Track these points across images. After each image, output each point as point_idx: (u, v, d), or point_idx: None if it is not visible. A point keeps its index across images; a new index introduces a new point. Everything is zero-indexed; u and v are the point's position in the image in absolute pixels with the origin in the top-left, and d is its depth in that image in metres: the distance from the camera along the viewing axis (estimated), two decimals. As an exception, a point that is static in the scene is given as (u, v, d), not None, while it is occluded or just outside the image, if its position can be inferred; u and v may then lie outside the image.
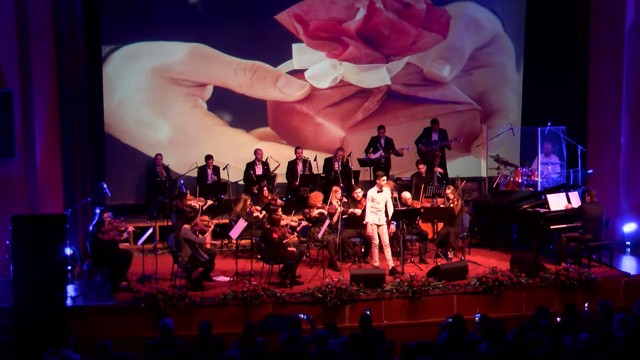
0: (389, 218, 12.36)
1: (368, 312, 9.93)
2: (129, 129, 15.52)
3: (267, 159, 15.10)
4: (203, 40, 15.54)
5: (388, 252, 12.38)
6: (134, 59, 15.34)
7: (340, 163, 15.04)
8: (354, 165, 15.52)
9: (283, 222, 12.33)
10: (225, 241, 13.87)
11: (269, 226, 12.10)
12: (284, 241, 11.98)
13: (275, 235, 11.88)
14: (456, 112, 16.57)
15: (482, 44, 16.58)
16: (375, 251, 12.38)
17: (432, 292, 11.60)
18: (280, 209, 12.90)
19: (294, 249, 11.96)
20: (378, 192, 12.34)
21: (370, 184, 15.06)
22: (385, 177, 12.61)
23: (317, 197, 12.96)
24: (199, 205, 13.74)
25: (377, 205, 12.29)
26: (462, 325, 9.07)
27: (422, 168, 14.68)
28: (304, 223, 12.77)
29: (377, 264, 12.35)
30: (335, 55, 15.99)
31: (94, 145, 14.19)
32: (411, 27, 16.03)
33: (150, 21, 15.22)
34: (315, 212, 12.75)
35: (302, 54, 15.91)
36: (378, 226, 12.31)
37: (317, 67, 16.03)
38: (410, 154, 15.64)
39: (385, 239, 12.33)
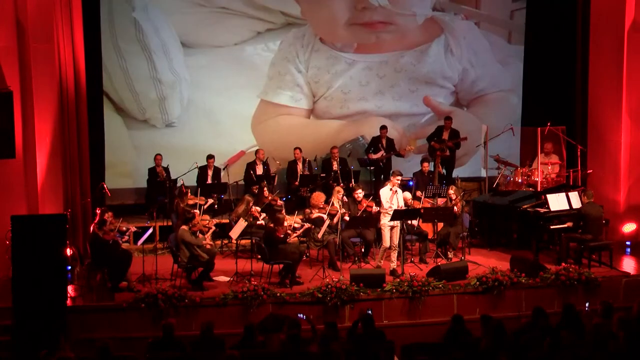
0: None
1: (370, 312, 9.87)
2: (129, 128, 15.54)
3: (267, 159, 15.11)
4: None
5: (395, 254, 12.36)
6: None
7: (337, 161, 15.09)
8: (354, 165, 15.55)
9: (286, 223, 12.32)
10: (225, 241, 13.87)
11: (272, 225, 12.09)
12: (288, 240, 12.01)
13: (279, 234, 11.88)
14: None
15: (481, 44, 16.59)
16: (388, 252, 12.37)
17: (432, 292, 11.60)
18: (284, 210, 12.90)
19: (295, 238, 11.99)
20: (395, 192, 12.27)
21: (371, 184, 15.10)
22: (399, 177, 12.52)
23: (319, 197, 12.95)
24: (200, 205, 13.76)
25: (393, 206, 12.25)
26: (462, 325, 9.07)
27: (426, 167, 14.65)
28: (306, 225, 12.75)
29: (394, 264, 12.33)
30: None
31: (94, 145, 14.20)
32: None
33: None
34: (314, 215, 12.75)
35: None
36: (392, 227, 12.26)
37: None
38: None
39: (395, 241, 12.30)
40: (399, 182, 12.38)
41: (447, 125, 15.28)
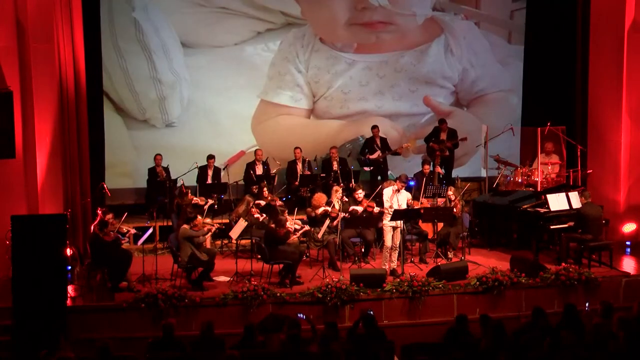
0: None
1: (371, 313, 9.84)
2: (129, 128, 15.55)
3: (267, 159, 15.12)
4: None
5: (395, 254, 12.35)
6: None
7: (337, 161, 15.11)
8: (354, 165, 15.55)
9: (288, 224, 12.33)
10: (225, 241, 13.87)
11: (273, 225, 12.09)
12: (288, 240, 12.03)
13: (281, 232, 11.88)
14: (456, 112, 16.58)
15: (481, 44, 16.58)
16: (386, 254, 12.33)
17: (432, 292, 11.60)
18: (287, 211, 12.89)
19: (295, 238, 12.07)
20: (396, 191, 12.23)
21: (370, 184, 15.09)
22: (403, 184, 12.47)
23: (321, 198, 12.94)
24: (201, 205, 13.76)
25: (394, 206, 12.22)
26: (464, 325, 9.07)
27: (427, 168, 14.65)
28: (306, 227, 12.75)
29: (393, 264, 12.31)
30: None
31: (94, 145, 14.20)
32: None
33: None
34: (319, 211, 12.74)
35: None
36: (394, 228, 12.23)
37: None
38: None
39: (397, 242, 12.28)
40: (402, 187, 12.34)
41: (443, 128, 15.30)
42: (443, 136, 15.28)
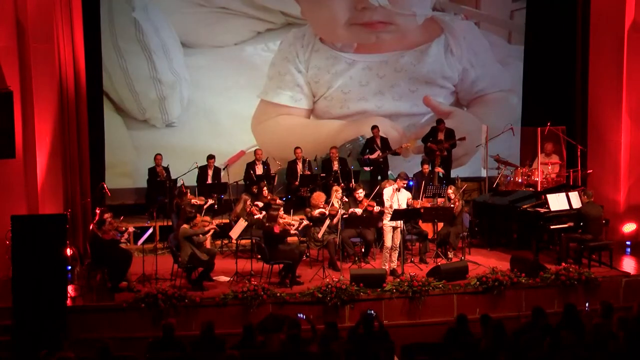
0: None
1: (373, 313, 9.81)
2: (129, 128, 15.55)
3: (267, 159, 15.12)
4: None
5: (395, 254, 12.35)
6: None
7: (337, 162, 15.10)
8: (354, 165, 15.55)
9: (283, 220, 12.32)
10: (226, 241, 13.87)
11: (268, 224, 12.09)
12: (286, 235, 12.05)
13: (276, 230, 11.87)
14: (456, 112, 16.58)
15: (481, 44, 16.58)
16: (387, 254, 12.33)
17: (432, 292, 11.60)
18: (281, 209, 12.92)
19: (295, 238, 11.98)
20: (397, 190, 12.22)
21: (370, 184, 15.09)
22: (404, 182, 12.48)
23: (319, 197, 12.95)
24: (200, 205, 13.76)
25: (394, 205, 12.21)
26: (464, 325, 9.07)
27: (426, 168, 14.65)
28: (305, 222, 12.77)
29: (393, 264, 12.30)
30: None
31: (94, 145, 14.20)
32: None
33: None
34: (316, 212, 12.74)
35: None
36: (394, 228, 12.22)
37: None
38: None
39: (397, 242, 12.28)
40: (403, 185, 12.35)
41: (441, 128, 15.30)
42: (441, 136, 15.29)
